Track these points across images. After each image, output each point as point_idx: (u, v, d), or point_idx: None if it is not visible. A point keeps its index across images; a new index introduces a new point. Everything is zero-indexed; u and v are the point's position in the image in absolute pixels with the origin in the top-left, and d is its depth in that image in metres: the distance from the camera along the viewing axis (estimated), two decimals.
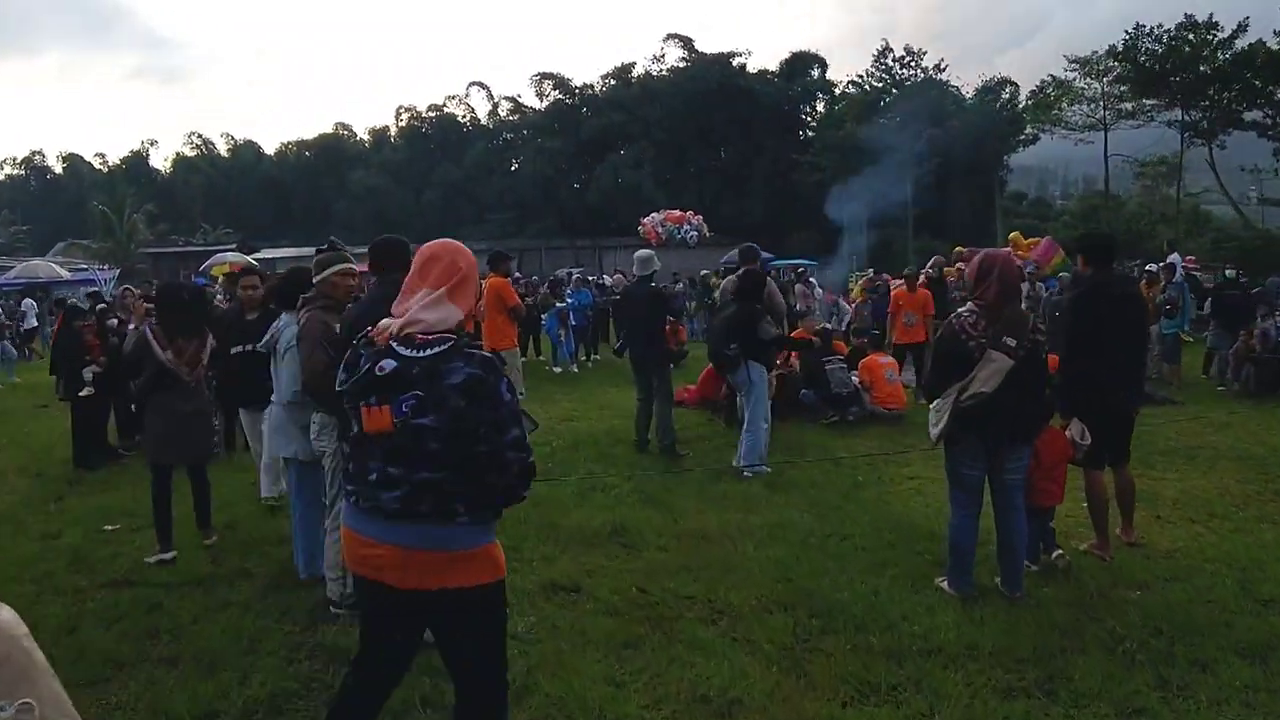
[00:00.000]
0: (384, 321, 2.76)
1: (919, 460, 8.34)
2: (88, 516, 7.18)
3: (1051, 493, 5.33)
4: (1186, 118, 36.16)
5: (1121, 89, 38.60)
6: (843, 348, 12.26)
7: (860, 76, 53.61)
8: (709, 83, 57.62)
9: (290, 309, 5.27)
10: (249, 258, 27.83)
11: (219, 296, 12.50)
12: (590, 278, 24.32)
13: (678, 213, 42.07)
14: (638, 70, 63.50)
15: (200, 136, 76.17)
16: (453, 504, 2.67)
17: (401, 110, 72.13)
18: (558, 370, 16.70)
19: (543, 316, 17.67)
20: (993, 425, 4.74)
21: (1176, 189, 38.88)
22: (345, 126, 76.29)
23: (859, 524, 6.35)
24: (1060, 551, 5.38)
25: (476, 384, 2.64)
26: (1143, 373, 6.13)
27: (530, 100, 66.45)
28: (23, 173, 78.17)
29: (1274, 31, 31.39)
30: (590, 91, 64.19)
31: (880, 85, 52.03)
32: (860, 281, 21.49)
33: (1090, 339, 5.49)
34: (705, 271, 27.24)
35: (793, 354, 10.77)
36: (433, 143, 68.69)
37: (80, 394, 9.20)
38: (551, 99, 64.62)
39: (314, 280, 4.99)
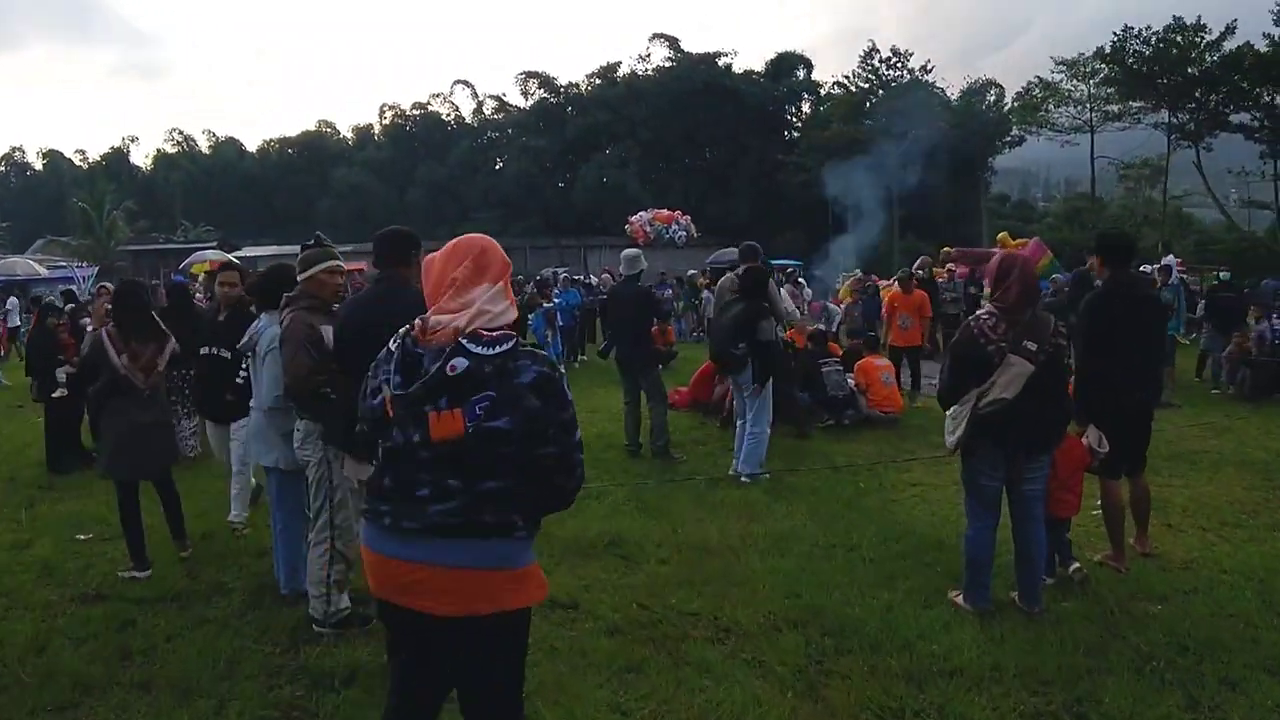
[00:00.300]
0: (439, 318, 2.49)
1: (920, 466, 8.17)
2: (59, 524, 6.89)
3: (1068, 503, 5.13)
4: (1174, 120, 36.23)
5: (1108, 91, 38.66)
6: (837, 349, 12.06)
7: (846, 77, 53.64)
8: (694, 82, 57.46)
9: (271, 308, 4.96)
10: (230, 255, 27.38)
11: (199, 295, 12.17)
12: (577, 277, 24.07)
13: (666, 212, 41.81)
14: (623, 70, 63.27)
15: (181, 133, 75.48)
16: (512, 515, 2.48)
17: (385, 108, 71.75)
18: None
19: (529, 317, 17.39)
20: (1012, 433, 4.52)
21: (1163, 191, 38.95)
22: (328, 124, 75.82)
23: (864, 534, 6.13)
24: (1078, 564, 5.18)
25: (546, 382, 2.47)
26: (1160, 376, 5.94)
27: (515, 99, 66.19)
28: (3, 169, 77.29)
29: (1263, 34, 31.50)
30: (575, 90, 63.92)
31: (866, 86, 52.00)
32: (848, 282, 21.30)
33: (1106, 341, 5.30)
34: (692, 272, 27.06)
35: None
36: (417, 141, 68.28)
37: (53, 395, 8.89)
38: (536, 98, 64.34)
39: (299, 278, 4.70)
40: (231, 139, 75.63)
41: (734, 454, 8.16)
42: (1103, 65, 37.33)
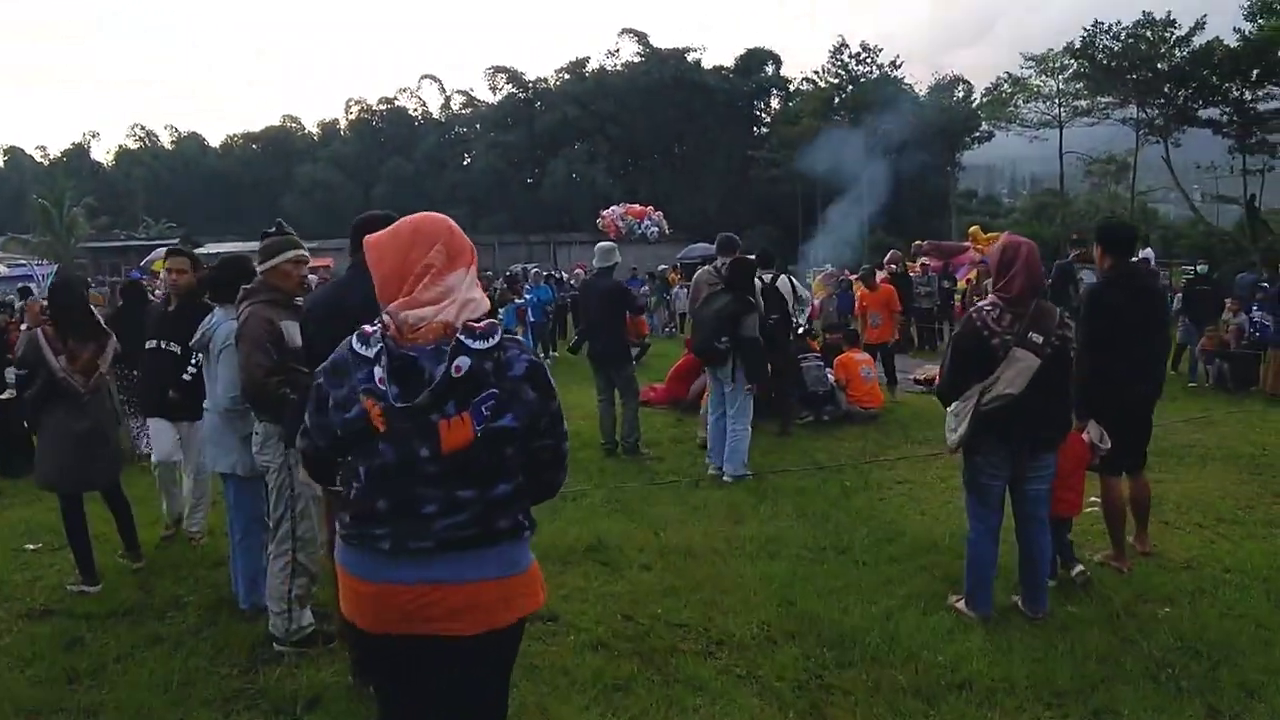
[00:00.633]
0: (418, 313, 2.18)
1: (904, 462, 7.96)
2: (8, 533, 6.55)
3: (1070, 501, 4.91)
4: (1143, 115, 36.43)
5: (1077, 87, 38.82)
6: (815, 345, 11.85)
7: (816, 73, 53.67)
8: (664, 78, 57.40)
9: (226, 302, 4.59)
10: (193, 253, 26.74)
11: (158, 292, 11.73)
12: (550, 272, 23.77)
13: (639, 207, 41.62)
14: (592, 65, 63.14)
15: (143, 128, 74.32)
16: (519, 516, 2.31)
17: (352, 103, 71.07)
18: None
19: (500, 312, 17.04)
20: (1017, 430, 4.29)
21: (1131, 187, 39.19)
22: (293, 119, 74.94)
23: (855, 535, 5.88)
24: (1081, 567, 4.96)
25: (536, 371, 2.27)
26: (1163, 370, 5.75)
27: (484, 94, 65.88)
28: None
29: (1233, 29, 31.68)
30: (544, 85, 63.64)
31: (836, 81, 52.05)
32: (819, 277, 21.13)
33: (1108, 334, 5.08)
34: (663, 267, 26.95)
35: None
36: (383, 136, 67.71)
37: (1, 396, 8.46)
38: (505, 93, 64.02)
39: (259, 269, 4.35)
40: (194, 134, 74.67)
41: (708, 451, 7.93)
42: (1072, 61, 37.44)
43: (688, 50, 60.06)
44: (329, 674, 4.02)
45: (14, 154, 74.09)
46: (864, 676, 3.89)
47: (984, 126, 46.05)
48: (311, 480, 3.32)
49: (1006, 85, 42.39)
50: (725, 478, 7.44)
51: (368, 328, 2.23)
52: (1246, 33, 30.80)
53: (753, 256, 8.38)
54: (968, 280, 21.05)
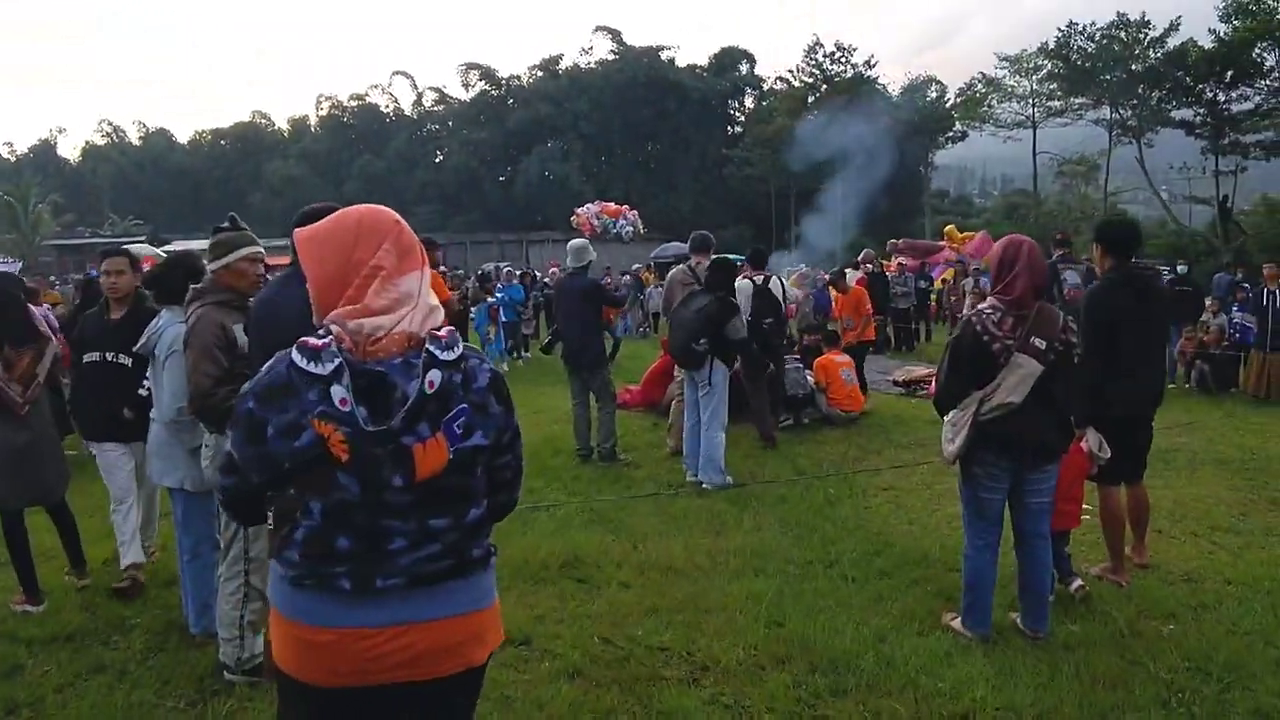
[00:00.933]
0: (375, 321, 1.87)
1: (889, 470, 7.74)
2: None
3: (1070, 514, 4.71)
4: (1116, 116, 36.61)
5: (1051, 87, 39.00)
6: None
7: (790, 72, 53.66)
8: (637, 76, 57.19)
9: (174, 304, 4.25)
10: (159, 250, 26.15)
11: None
12: (523, 270, 23.45)
13: (614, 206, 41.32)
14: (566, 62, 62.85)
15: (110, 124, 73.29)
16: (486, 542, 2.09)
17: (322, 99, 70.30)
18: None
19: (471, 312, 16.69)
20: (1018, 441, 4.06)
21: (1104, 187, 39.42)
22: (263, 115, 74.12)
23: (842, 547, 5.63)
24: (1080, 582, 4.74)
25: (498, 382, 2.04)
26: (1165, 376, 5.55)
27: (456, 91, 65.42)
28: None
29: (1208, 30, 31.87)
30: (517, 83, 63.25)
31: (810, 81, 52.00)
32: (792, 277, 20.92)
33: (1109, 338, 4.87)
34: (636, 266, 26.74)
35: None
36: (354, 133, 67.04)
37: None
38: (477, 89, 63.60)
39: (211, 267, 4.01)
40: (163, 130, 73.82)
41: (683, 458, 7.68)
42: (1046, 61, 37.60)
43: (662, 49, 60.00)
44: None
45: None
46: (860, 707, 3.62)
47: (957, 126, 46.18)
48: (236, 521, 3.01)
49: (981, 85, 42.54)
50: (704, 485, 7.17)
51: (312, 340, 1.86)
52: (1221, 34, 30.99)
53: (732, 256, 8.11)
54: (943, 280, 20.97)
